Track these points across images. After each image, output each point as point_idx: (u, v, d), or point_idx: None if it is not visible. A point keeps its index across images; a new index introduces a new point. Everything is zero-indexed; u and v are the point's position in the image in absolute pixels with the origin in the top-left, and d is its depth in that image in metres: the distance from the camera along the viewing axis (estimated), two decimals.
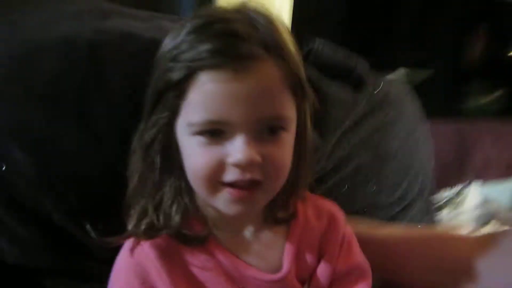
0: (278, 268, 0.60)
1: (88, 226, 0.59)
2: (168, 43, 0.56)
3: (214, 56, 0.51)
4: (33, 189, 0.63)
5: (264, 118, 0.53)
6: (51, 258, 0.64)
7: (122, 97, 0.66)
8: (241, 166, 0.52)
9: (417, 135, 0.91)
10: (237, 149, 0.52)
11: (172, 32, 0.56)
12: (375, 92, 0.86)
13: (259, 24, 0.53)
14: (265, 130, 0.54)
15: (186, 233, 0.57)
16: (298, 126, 0.59)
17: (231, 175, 0.53)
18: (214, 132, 0.53)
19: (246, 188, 0.54)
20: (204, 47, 0.52)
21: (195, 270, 0.57)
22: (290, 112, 0.56)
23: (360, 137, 0.82)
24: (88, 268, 0.59)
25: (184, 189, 0.58)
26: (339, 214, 0.67)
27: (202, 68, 0.52)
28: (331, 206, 0.67)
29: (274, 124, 0.54)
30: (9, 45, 0.65)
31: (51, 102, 0.64)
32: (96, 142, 0.66)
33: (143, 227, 0.56)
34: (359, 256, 0.66)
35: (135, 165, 0.58)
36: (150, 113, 0.57)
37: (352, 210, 0.74)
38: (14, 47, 0.65)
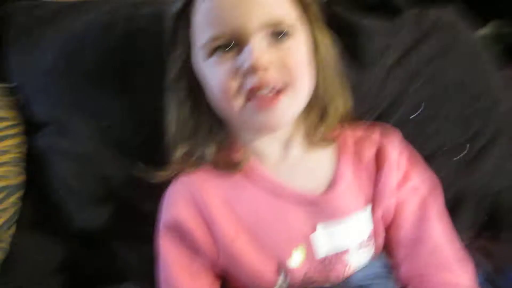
0: (330, 185, 0.61)
1: (137, 167, 0.65)
2: None
3: None
4: (94, 157, 0.73)
5: (265, 23, 0.55)
6: (116, 222, 0.74)
7: (157, 68, 0.70)
8: (255, 69, 0.54)
9: (482, 64, 0.80)
10: (246, 55, 0.55)
11: None
12: (421, 19, 0.78)
13: None
14: (271, 38, 0.56)
15: (223, 160, 0.62)
16: (312, 38, 0.61)
17: (248, 83, 0.55)
18: (223, 47, 0.56)
19: (271, 97, 0.56)
20: None
21: (234, 192, 0.61)
22: (291, 18, 0.58)
23: (411, 69, 0.75)
24: (146, 232, 0.64)
25: (216, 125, 0.63)
26: (391, 129, 0.67)
27: None
28: (382, 125, 0.68)
29: (277, 29, 0.56)
30: (60, 46, 0.76)
31: (98, 82, 0.74)
32: (138, 109, 0.73)
33: (184, 161, 0.62)
34: (423, 171, 0.65)
35: (169, 112, 0.63)
36: (170, 54, 0.63)
37: (427, 152, 0.72)
38: (64, 47, 0.76)
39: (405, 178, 0.63)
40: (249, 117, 0.57)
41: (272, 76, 0.55)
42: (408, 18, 0.77)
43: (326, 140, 0.64)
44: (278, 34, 0.56)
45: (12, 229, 0.74)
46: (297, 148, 0.63)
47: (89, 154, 0.73)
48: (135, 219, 0.71)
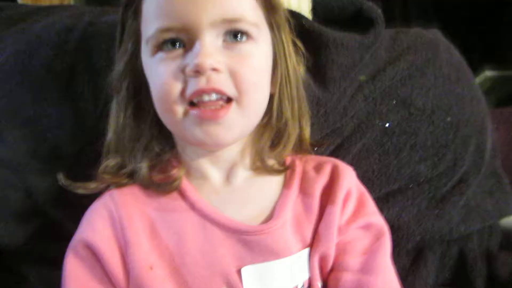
0: (267, 219, 0.54)
1: (60, 176, 0.57)
2: None
3: None
4: (21, 166, 0.67)
5: (220, 19, 0.48)
6: (32, 241, 0.66)
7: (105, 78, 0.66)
8: (200, 72, 0.48)
9: (465, 89, 0.71)
10: (194, 52, 0.48)
11: None
12: (400, 36, 0.72)
13: None
14: (226, 37, 0.50)
15: (154, 180, 0.55)
16: (274, 47, 0.54)
17: (192, 86, 0.48)
18: (171, 43, 0.50)
19: (216, 108, 0.49)
20: None
21: (162, 214, 0.54)
22: (253, 17, 0.51)
23: (381, 90, 0.67)
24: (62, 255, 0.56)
25: (156, 136, 0.56)
26: (345, 166, 0.58)
27: None
28: (335, 160, 0.59)
29: (235, 27, 0.49)
30: (16, 44, 0.73)
31: (42, 85, 0.69)
32: (79, 116, 0.68)
33: (114, 174, 0.55)
34: (372, 215, 0.56)
35: (110, 115, 0.57)
36: (118, 49, 0.56)
37: (393, 187, 0.65)
38: (19, 45, 0.72)
39: (350, 221, 0.55)
40: (189, 128, 0.50)
41: (221, 81, 0.48)
42: (385, 33, 0.70)
43: (274, 169, 0.56)
44: (236, 34, 0.49)
45: None
46: (241, 174, 0.56)
47: (15, 162, 0.67)
48: (56, 240, 0.62)
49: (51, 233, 0.65)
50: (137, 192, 0.55)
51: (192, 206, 0.54)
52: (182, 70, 0.49)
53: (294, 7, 0.71)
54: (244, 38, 0.50)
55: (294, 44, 0.58)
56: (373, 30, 0.66)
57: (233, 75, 0.49)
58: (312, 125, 0.61)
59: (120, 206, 0.54)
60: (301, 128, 0.58)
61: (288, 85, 0.56)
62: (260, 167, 0.56)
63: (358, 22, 0.69)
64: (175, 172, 0.55)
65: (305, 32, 0.65)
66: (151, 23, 0.50)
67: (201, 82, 0.48)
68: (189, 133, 0.51)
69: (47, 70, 0.70)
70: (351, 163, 0.63)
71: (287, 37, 0.56)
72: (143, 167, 0.55)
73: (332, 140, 0.66)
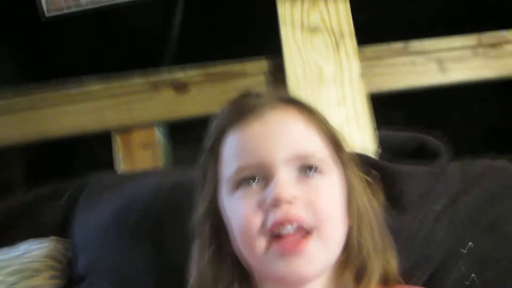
0: None
1: None
2: None
3: (233, 113, 0.57)
4: None
5: (293, 156, 0.53)
6: None
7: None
8: (278, 202, 0.50)
9: None
10: (271, 187, 0.51)
11: None
12: (469, 165, 0.73)
13: (281, 92, 0.61)
14: (300, 172, 0.53)
15: None
16: (345, 182, 0.57)
17: (271, 218, 0.51)
18: (248, 181, 0.53)
19: (296, 239, 0.50)
20: (225, 111, 0.59)
21: None
22: (322, 154, 0.55)
23: (463, 216, 0.67)
24: None
25: (238, 278, 0.57)
26: None
27: (226, 127, 0.57)
28: None
29: (307, 162, 0.53)
30: (115, 204, 0.82)
31: (133, 237, 0.76)
32: (165, 265, 0.71)
33: None
34: None
35: (194, 256, 0.59)
36: (200, 193, 0.60)
37: None
38: (117, 205, 0.82)
39: None
40: (271, 262, 0.51)
41: (298, 212, 0.51)
42: (454, 165, 0.73)
43: None
44: (308, 168, 0.54)
45: None
46: None
47: None
48: None
49: None
50: None
51: None
52: (261, 205, 0.52)
53: (359, 146, 0.77)
54: (315, 173, 0.54)
55: (366, 179, 0.61)
56: (437, 161, 0.69)
57: (309, 205, 0.52)
58: (398, 251, 0.60)
59: None
60: (386, 260, 0.57)
61: (366, 217, 0.57)
62: None
63: (424, 154, 0.72)
64: None
65: (373, 168, 0.68)
66: (230, 164, 0.55)
67: (279, 214, 0.51)
68: (270, 268, 0.51)
69: (139, 223, 0.77)
70: None
71: (355, 172, 0.60)
72: None
73: (420, 272, 0.63)
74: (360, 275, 0.55)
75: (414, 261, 0.64)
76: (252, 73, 1.06)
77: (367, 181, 0.61)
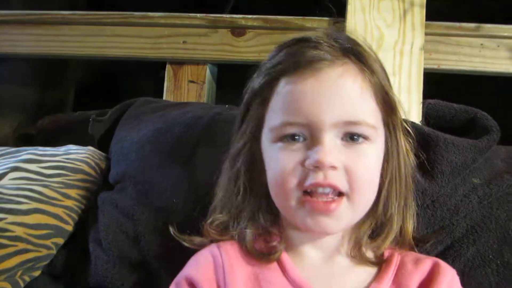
0: None
1: (171, 226, 0.62)
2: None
3: (288, 60, 0.55)
4: (135, 215, 0.73)
5: (342, 121, 0.52)
6: None
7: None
8: (319, 168, 0.51)
9: None
10: (315, 150, 0.51)
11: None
12: None
13: (340, 38, 0.56)
14: (345, 137, 0.53)
15: (256, 248, 0.57)
16: (388, 145, 0.56)
17: (310, 178, 0.51)
18: (293, 136, 0.53)
19: (328, 200, 0.51)
20: (280, 54, 0.56)
21: (261, 278, 0.55)
22: (372, 120, 0.54)
23: (498, 195, 0.64)
24: None
25: (262, 209, 0.58)
26: (448, 266, 0.55)
27: (280, 73, 0.55)
28: (437, 259, 0.57)
29: (354, 130, 0.53)
30: (156, 124, 0.85)
31: (169, 153, 0.78)
32: (194, 182, 0.74)
33: (220, 232, 0.59)
34: None
35: (221, 182, 0.61)
36: (239, 128, 0.61)
37: None
38: (158, 124, 0.84)
39: None
40: (301, 216, 0.53)
41: (337, 178, 0.51)
42: (500, 147, 0.70)
43: (371, 260, 0.56)
44: (354, 135, 0.53)
45: (36, 272, 0.73)
46: (340, 260, 0.57)
47: (131, 211, 0.74)
48: None
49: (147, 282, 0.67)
50: (239, 251, 0.57)
51: (293, 283, 0.54)
52: (302, 163, 0.52)
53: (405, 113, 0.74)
54: (361, 139, 0.53)
55: (405, 142, 0.60)
56: (486, 136, 0.66)
57: (348, 173, 0.52)
58: (417, 215, 0.59)
59: (225, 255, 0.57)
60: (403, 220, 0.58)
61: (398, 181, 0.57)
62: (357, 256, 0.56)
63: (469, 131, 0.70)
64: (276, 244, 0.57)
65: (415, 134, 0.67)
66: (276, 116, 0.55)
67: (319, 177, 0.51)
68: (300, 220, 0.53)
69: (176, 142, 0.79)
70: (463, 270, 0.58)
71: (401, 136, 0.59)
72: (248, 233, 0.57)
73: (439, 237, 0.63)
74: (378, 231, 0.57)
75: (433, 228, 0.63)
76: (312, 27, 1.04)
77: (406, 146, 0.60)
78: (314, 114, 0.52)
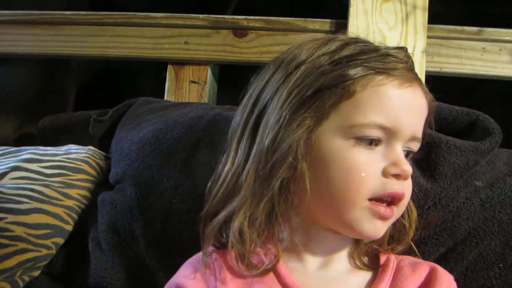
0: None
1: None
2: (315, 52, 0.54)
3: (389, 61, 0.52)
4: (132, 213, 0.73)
5: (416, 137, 0.53)
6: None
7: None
8: (406, 176, 0.51)
9: None
10: (399, 157, 0.51)
11: (307, 47, 0.55)
12: None
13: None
14: (404, 150, 0.53)
15: (252, 261, 0.53)
16: None
17: (389, 188, 0.50)
18: (371, 140, 0.51)
19: (391, 210, 0.51)
20: (374, 53, 0.53)
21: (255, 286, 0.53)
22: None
23: (501, 199, 0.64)
24: None
25: (269, 216, 0.53)
26: (445, 272, 0.55)
27: (378, 70, 0.51)
28: (435, 264, 0.56)
29: (414, 148, 0.54)
30: (156, 124, 0.85)
31: (170, 153, 0.78)
32: (195, 181, 0.73)
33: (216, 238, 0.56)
34: None
35: (245, 183, 0.53)
36: (288, 121, 0.51)
37: None
38: (158, 125, 0.84)
39: None
40: (359, 219, 0.51)
41: (406, 191, 0.52)
42: (503, 151, 0.71)
43: (366, 264, 0.56)
44: (410, 152, 0.54)
45: (36, 272, 0.73)
46: (336, 265, 0.56)
47: (128, 208, 0.74)
48: None
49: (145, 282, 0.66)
50: (234, 259, 0.55)
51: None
52: (382, 170, 0.51)
53: None
54: (410, 155, 0.55)
55: None
56: (488, 138, 0.66)
57: (408, 188, 0.53)
58: (418, 217, 0.59)
59: (218, 263, 0.55)
60: (401, 223, 0.58)
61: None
62: (354, 261, 0.56)
63: (470, 134, 0.70)
64: (272, 252, 0.54)
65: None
66: (365, 113, 0.50)
67: (399, 186, 0.51)
68: (357, 224, 0.51)
69: (176, 142, 0.79)
70: (465, 272, 0.58)
71: None
72: (251, 252, 0.54)
73: (440, 238, 0.63)
74: None
75: (436, 229, 0.63)
76: (313, 29, 1.04)
77: None
78: (402, 123, 0.51)
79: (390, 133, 0.51)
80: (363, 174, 0.50)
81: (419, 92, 0.53)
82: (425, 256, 0.61)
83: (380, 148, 0.51)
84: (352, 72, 0.51)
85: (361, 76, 0.51)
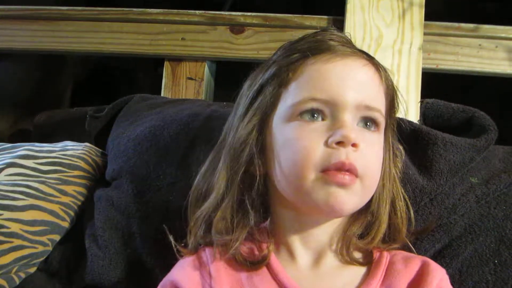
0: None
1: (165, 227, 0.60)
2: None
3: (316, 43, 0.56)
4: (130, 213, 0.73)
5: (363, 105, 0.53)
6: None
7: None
8: (348, 142, 0.51)
9: None
10: (342, 125, 0.52)
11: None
12: None
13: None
14: (360, 123, 0.54)
15: (244, 255, 0.55)
16: (384, 138, 0.57)
17: (333, 158, 0.51)
18: (312, 114, 0.53)
19: (344, 176, 0.51)
20: (303, 41, 0.58)
21: (249, 281, 0.54)
22: (382, 110, 0.56)
23: (496, 195, 0.65)
24: None
25: (257, 207, 0.56)
26: (437, 266, 0.55)
27: (304, 54, 0.55)
28: (427, 258, 0.57)
29: (371, 115, 0.54)
30: (152, 121, 0.84)
31: (166, 150, 0.78)
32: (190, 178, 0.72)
33: (204, 238, 0.57)
34: None
35: (215, 180, 0.58)
36: (244, 115, 0.57)
37: None
38: (155, 122, 0.84)
39: None
40: (315, 190, 0.51)
41: (357, 159, 0.51)
42: (499, 148, 0.71)
43: (358, 261, 0.56)
44: (368, 121, 0.54)
45: (32, 269, 0.73)
46: (328, 261, 0.56)
47: (125, 208, 0.74)
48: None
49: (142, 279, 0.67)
50: (227, 256, 0.56)
51: (281, 286, 0.53)
52: (325, 142, 0.52)
53: (402, 113, 0.75)
54: (373, 127, 0.55)
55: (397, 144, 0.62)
56: (484, 135, 0.67)
57: (363, 157, 0.52)
58: (414, 213, 0.60)
59: (212, 259, 0.56)
60: (394, 219, 0.58)
61: (388, 182, 0.58)
62: (346, 256, 0.56)
63: (466, 131, 0.70)
64: (264, 251, 0.55)
65: (413, 133, 0.68)
66: (299, 92, 0.54)
67: (343, 155, 0.51)
68: (312, 195, 0.52)
69: (173, 139, 0.79)
70: (460, 268, 0.58)
71: (392, 137, 0.61)
72: (236, 239, 0.55)
73: (438, 236, 0.63)
74: (367, 230, 0.57)
75: (432, 224, 0.63)
76: (310, 26, 1.04)
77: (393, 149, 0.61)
78: (339, 93, 0.53)
79: (330, 105, 0.52)
80: (307, 149, 0.51)
81: (357, 64, 0.55)
82: (421, 253, 0.61)
83: (326, 122, 0.53)
84: (285, 61, 0.56)
85: (291, 63, 0.55)
